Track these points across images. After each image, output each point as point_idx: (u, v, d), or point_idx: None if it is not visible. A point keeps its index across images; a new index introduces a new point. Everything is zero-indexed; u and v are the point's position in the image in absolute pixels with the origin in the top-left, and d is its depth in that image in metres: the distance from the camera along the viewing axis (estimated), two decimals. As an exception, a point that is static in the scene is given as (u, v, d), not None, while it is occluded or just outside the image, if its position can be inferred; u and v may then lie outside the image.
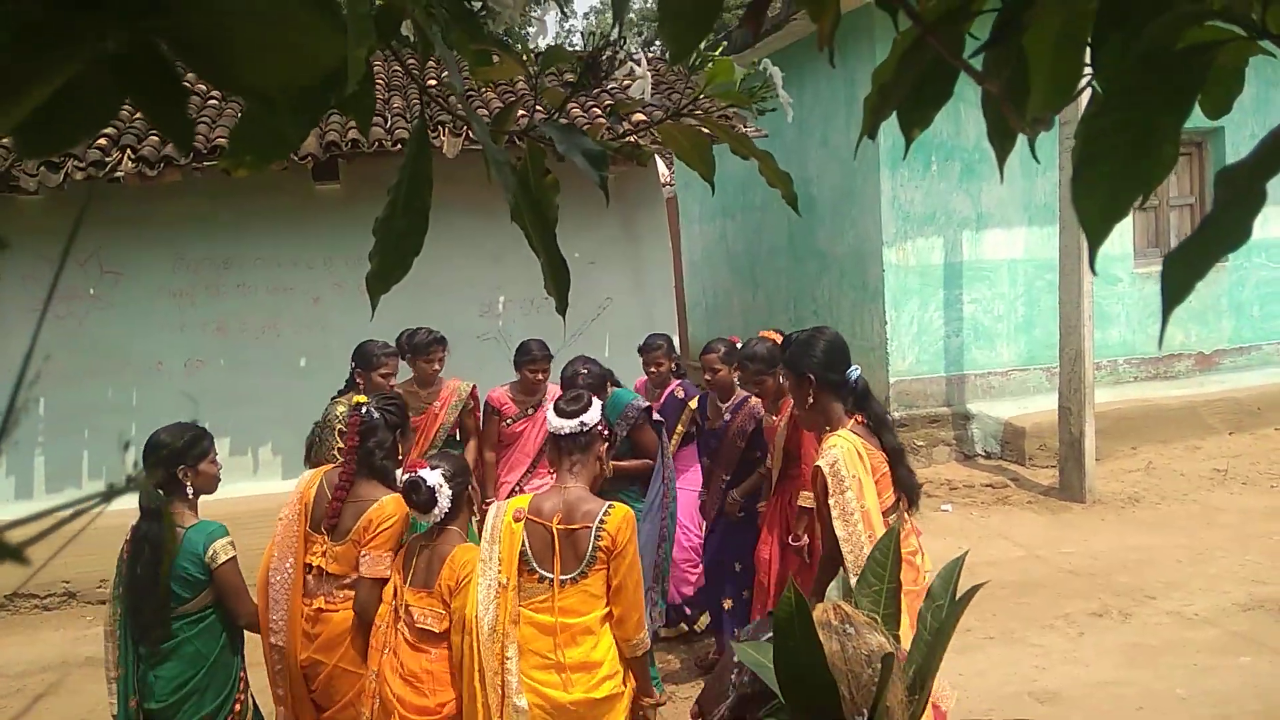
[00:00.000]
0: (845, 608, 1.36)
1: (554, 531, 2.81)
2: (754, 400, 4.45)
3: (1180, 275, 0.57)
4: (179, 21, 0.44)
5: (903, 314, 8.28)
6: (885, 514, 2.94)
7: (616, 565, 2.80)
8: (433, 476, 2.91)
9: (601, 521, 2.79)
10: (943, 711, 2.86)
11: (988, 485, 7.61)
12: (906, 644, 1.42)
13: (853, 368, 3.06)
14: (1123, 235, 8.61)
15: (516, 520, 2.86)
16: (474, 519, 3.34)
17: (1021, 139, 0.77)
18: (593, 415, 2.96)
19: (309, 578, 3.20)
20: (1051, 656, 4.69)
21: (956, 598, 1.41)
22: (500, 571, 2.82)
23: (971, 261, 8.37)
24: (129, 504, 4.76)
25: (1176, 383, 8.76)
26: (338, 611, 3.13)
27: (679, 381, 5.08)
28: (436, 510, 2.91)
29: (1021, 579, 5.68)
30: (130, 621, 3.01)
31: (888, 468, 2.97)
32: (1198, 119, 0.70)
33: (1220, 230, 0.57)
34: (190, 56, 0.46)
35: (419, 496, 2.91)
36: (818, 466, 2.91)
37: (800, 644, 1.14)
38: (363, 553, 3.10)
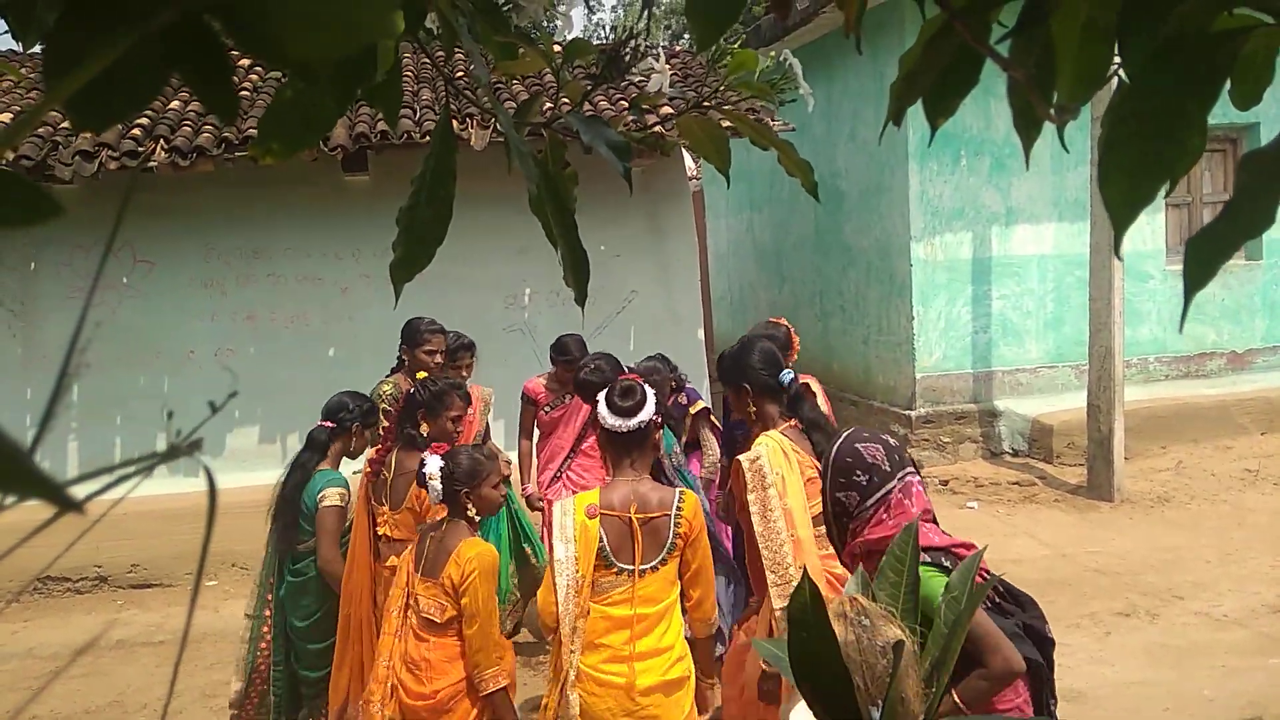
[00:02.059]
0: (861, 600, 1.38)
1: (633, 522, 2.80)
2: None
3: (1203, 260, 0.57)
4: None
5: (930, 309, 8.22)
6: (816, 521, 2.86)
7: (693, 549, 2.84)
8: (433, 465, 3.02)
9: (678, 509, 2.82)
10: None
11: (1014, 483, 7.55)
12: None
13: (785, 371, 3.07)
14: (1155, 232, 8.49)
15: (590, 517, 2.81)
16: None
17: (1052, 133, 0.77)
18: (647, 412, 2.93)
19: (380, 545, 3.63)
20: (1077, 656, 4.65)
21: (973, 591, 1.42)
22: (578, 570, 2.78)
23: (1000, 257, 8.29)
24: (161, 489, 4.80)
25: (1208, 381, 8.64)
26: None
27: (681, 391, 4.97)
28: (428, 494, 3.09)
29: (1047, 578, 5.64)
30: (273, 531, 3.57)
31: (818, 474, 2.89)
32: (1234, 115, 0.69)
33: (1243, 215, 0.56)
34: (236, 29, 0.47)
35: (419, 475, 3.08)
36: (737, 461, 2.91)
37: (815, 635, 1.16)
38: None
